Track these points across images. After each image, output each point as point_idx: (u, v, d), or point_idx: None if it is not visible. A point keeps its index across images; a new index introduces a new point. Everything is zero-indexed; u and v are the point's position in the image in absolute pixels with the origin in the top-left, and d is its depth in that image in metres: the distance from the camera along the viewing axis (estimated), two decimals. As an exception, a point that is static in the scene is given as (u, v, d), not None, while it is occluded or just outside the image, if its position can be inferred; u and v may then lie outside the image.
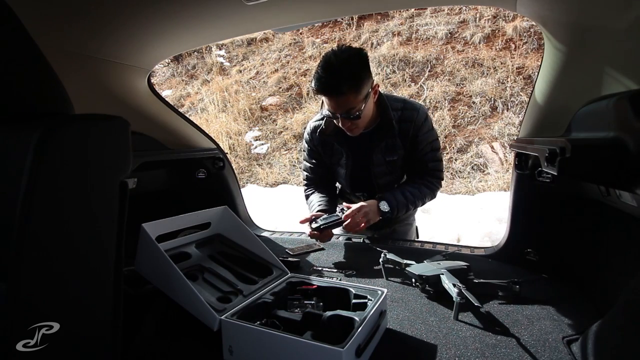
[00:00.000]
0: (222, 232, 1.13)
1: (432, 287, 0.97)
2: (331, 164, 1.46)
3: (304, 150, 1.53)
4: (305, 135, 1.48)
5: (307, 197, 1.52)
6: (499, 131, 5.11)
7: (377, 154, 1.34)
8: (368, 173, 1.38)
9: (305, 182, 1.55)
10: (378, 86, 1.26)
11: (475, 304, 0.82)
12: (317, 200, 1.43)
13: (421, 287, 1.00)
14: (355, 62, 1.14)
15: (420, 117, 1.30)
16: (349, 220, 1.21)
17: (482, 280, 0.98)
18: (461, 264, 1.02)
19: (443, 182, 1.43)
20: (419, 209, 1.68)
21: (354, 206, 1.24)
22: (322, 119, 1.40)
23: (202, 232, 1.10)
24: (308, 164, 1.52)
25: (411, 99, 1.46)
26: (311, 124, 1.45)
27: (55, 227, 0.52)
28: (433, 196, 1.39)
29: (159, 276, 0.87)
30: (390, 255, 1.11)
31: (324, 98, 1.18)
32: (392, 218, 1.31)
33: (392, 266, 1.11)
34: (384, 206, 1.26)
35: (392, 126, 1.29)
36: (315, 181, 1.52)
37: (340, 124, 1.23)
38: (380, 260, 1.11)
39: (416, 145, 1.33)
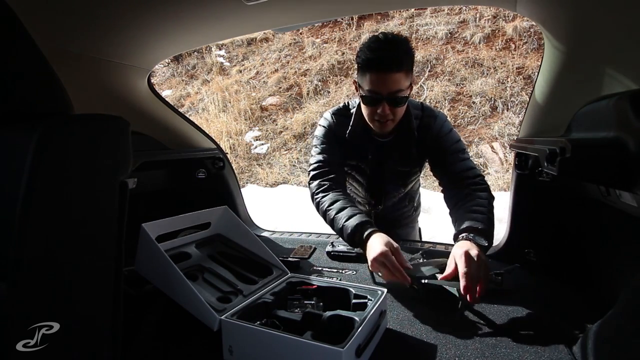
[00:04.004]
0: (222, 232, 1.13)
1: (428, 288, 0.97)
2: (347, 165, 1.35)
3: (318, 137, 1.32)
4: (324, 122, 1.32)
5: (322, 190, 1.22)
6: (499, 131, 5.11)
7: (390, 162, 1.29)
8: (378, 180, 1.34)
9: (317, 167, 1.27)
10: (415, 82, 1.18)
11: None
12: (348, 210, 1.11)
13: (417, 288, 1.00)
14: (409, 43, 1.09)
15: (438, 124, 1.24)
16: (465, 282, 0.85)
17: None
18: (445, 261, 1.02)
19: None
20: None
21: (460, 264, 0.88)
22: (342, 113, 1.29)
23: (202, 232, 1.10)
24: (325, 148, 1.28)
25: (428, 104, 1.36)
26: (334, 118, 1.31)
27: (55, 227, 0.52)
28: (492, 197, 1.15)
29: (159, 276, 0.87)
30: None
31: (368, 76, 1.07)
32: (490, 244, 1.01)
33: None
34: (480, 241, 0.97)
35: (413, 135, 1.22)
36: (332, 169, 1.25)
37: (378, 112, 1.11)
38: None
39: (438, 149, 1.23)
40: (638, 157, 0.58)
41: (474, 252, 0.89)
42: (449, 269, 0.91)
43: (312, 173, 1.28)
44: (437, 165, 1.27)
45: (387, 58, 1.05)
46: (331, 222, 1.16)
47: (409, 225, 1.59)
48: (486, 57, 5.95)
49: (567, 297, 0.95)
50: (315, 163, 1.28)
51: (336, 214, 1.12)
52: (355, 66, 1.17)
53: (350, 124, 1.26)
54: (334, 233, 1.61)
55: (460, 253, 0.89)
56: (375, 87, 1.08)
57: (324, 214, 1.19)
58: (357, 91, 1.21)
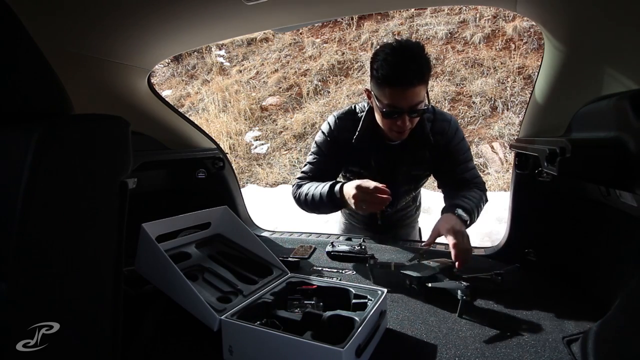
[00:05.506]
0: (222, 232, 1.13)
1: (428, 287, 0.97)
2: (347, 171, 1.34)
3: (316, 145, 1.32)
4: (326, 127, 1.30)
5: (300, 185, 1.29)
6: (499, 131, 5.11)
7: (403, 166, 1.27)
8: (391, 184, 1.32)
9: (304, 176, 1.33)
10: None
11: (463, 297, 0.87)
12: (320, 184, 1.20)
13: (417, 288, 1.00)
14: (424, 50, 1.04)
15: (452, 129, 1.23)
16: (456, 252, 0.97)
17: (469, 275, 0.99)
18: (448, 261, 1.04)
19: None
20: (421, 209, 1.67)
21: (449, 238, 0.99)
22: (349, 117, 1.27)
23: (202, 232, 1.10)
24: (319, 158, 1.31)
25: (438, 107, 1.34)
26: (338, 122, 1.28)
27: (55, 227, 0.52)
28: (486, 199, 1.24)
29: (159, 276, 0.87)
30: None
31: (387, 90, 1.04)
32: (469, 225, 1.12)
33: (382, 269, 1.10)
34: (460, 212, 1.07)
35: (428, 139, 1.21)
36: (316, 180, 1.30)
37: (397, 124, 1.09)
38: (367, 265, 1.09)
39: (448, 157, 1.24)
40: (638, 157, 0.58)
41: (459, 226, 1.00)
42: (430, 238, 1.05)
43: (296, 180, 1.35)
44: (443, 171, 1.29)
45: (408, 73, 1.00)
46: (312, 203, 1.21)
47: (410, 225, 1.59)
48: (486, 57, 5.95)
49: (567, 297, 0.95)
50: (303, 173, 1.34)
51: (314, 191, 1.20)
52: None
53: (358, 129, 1.23)
54: (334, 233, 1.63)
55: (447, 227, 0.99)
56: (395, 102, 1.05)
57: (305, 202, 1.25)
58: (369, 99, 1.19)
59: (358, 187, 1.02)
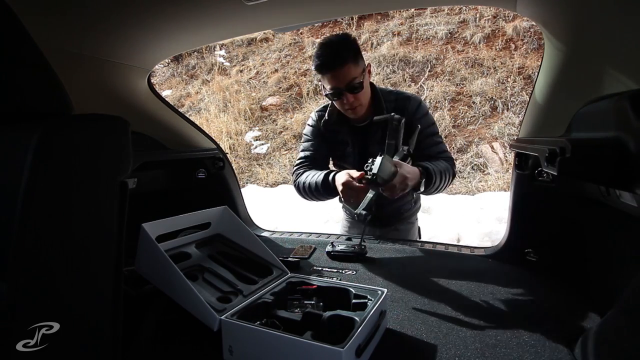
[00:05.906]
0: (222, 232, 1.13)
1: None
2: (334, 156, 1.48)
3: (305, 135, 1.51)
4: (310, 121, 1.49)
5: (299, 174, 1.41)
6: (499, 131, 5.12)
7: (373, 145, 1.35)
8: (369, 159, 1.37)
9: (300, 163, 1.46)
10: (370, 66, 1.33)
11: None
12: (317, 172, 1.33)
13: (359, 218, 1.00)
14: (349, 38, 1.24)
15: (413, 105, 1.33)
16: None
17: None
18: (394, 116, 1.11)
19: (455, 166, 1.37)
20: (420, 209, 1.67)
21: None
22: (324, 108, 1.43)
23: (202, 232, 1.10)
24: (309, 145, 1.47)
25: (405, 90, 1.47)
26: (317, 114, 1.47)
27: (55, 227, 0.52)
28: (453, 173, 1.33)
29: (159, 276, 0.87)
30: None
31: (325, 77, 1.23)
32: (429, 187, 1.20)
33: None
34: (422, 167, 1.18)
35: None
36: (313, 165, 1.43)
37: (344, 103, 1.25)
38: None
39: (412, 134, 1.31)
40: (638, 157, 0.58)
41: (403, 169, 1.07)
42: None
43: (294, 169, 1.47)
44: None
45: (330, 59, 1.19)
46: (310, 191, 1.33)
47: (409, 220, 1.59)
48: (486, 57, 5.95)
49: (567, 297, 0.95)
50: (299, 160, 1.47)
51: (310, 180, 1.32)
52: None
53: (325, 115, 1.41)
54: (334, 233, 1.63)
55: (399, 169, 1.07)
56: (332, 84, 1.23)
57: (304, 189, 1.36)
58: (323, 91, 1.34)
59: (344, 184, 1.15)
